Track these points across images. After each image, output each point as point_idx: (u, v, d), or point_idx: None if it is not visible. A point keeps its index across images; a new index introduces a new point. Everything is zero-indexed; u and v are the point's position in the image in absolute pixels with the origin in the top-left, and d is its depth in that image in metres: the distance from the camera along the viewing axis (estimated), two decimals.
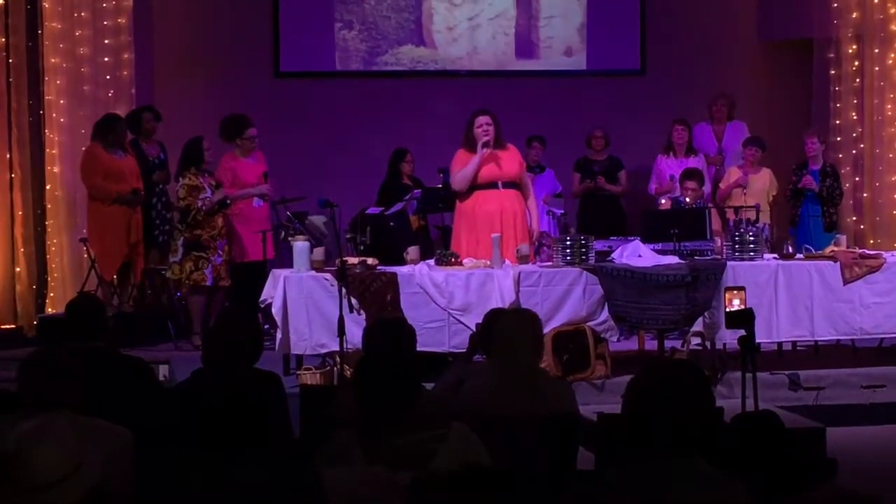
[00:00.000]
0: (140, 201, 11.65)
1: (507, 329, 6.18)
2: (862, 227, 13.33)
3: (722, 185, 12.70)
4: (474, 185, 10.35)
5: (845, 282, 10.01)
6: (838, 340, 10.54)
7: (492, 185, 10.32)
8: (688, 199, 11.65)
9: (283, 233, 11.85)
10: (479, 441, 4.52)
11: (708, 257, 10.15)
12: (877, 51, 13.44)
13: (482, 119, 10.35)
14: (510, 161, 10.41)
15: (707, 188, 12.75)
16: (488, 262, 9.84)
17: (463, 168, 10.31)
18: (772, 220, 12.56)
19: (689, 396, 3.74)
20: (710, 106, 13.59)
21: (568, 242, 9.86)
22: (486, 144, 10.25)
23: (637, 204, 13.20)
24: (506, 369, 6.05)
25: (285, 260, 10.72)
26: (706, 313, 9.76)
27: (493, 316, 6.59)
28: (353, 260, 9.88)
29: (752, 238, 10.17)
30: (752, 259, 10.04)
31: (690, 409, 3.72)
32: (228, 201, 11.26)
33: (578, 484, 3.85)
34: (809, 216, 12.34)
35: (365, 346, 6.29)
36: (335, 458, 4.43)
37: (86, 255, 11.89)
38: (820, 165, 12.44)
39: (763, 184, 12.56)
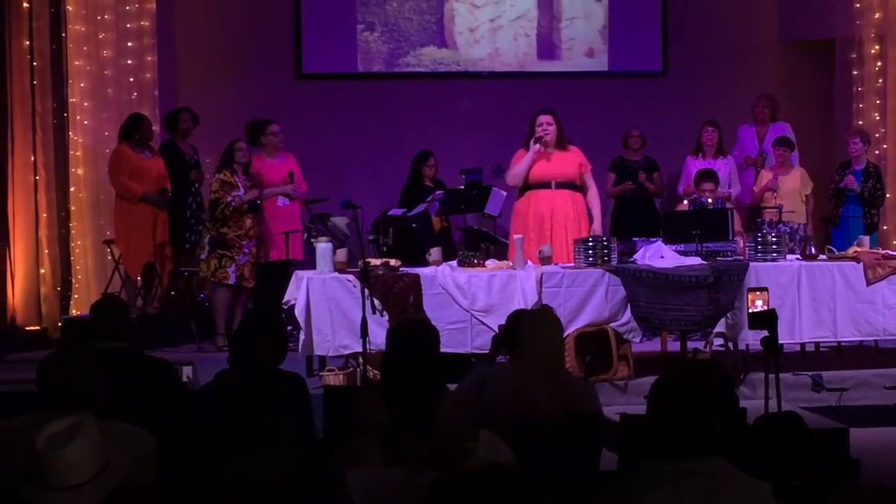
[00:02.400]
0: (167, 202, 11.72)
1: (529, 328, 6.19)
2: (885, 227, 13.28)
3: (756, 189, 12.67)
4: (528, 185, 10.38)
5: (868, 283, 9.99)
6: (861, 341, 10.53)
7: (545, 184, 10.34)
8: (709, 200, 11.61)
9: (305, 234, 11.89)
10: (507, 450, 4.50)
11: (730, 258, 10.14)
12: None
13: (543, 118, 10.40)
14: (567, 162, 10.41)
15: (738, 189, 12.71)
16: (511, 264, 9.85)
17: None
18: (808, 220, 12.49)
19: (713, 397, 3.75)
20: (753, 107, 13.52)
21: (590, 243, 9.86)
22: (537, 140, 10.27)
23: (666, 206, 13.16)
24: (529, 369, 6.06)
25: (309, 261, 10.75)
26: (729, 314, 9.75)
27: (517, 317, 6.60)
28: (375, 261, 9.89)
29: (774, 239, 10.16)
30: (774, 260, 10.03)
31: (714, 410, 3.73)
32: (259, 202, 11.31)
33: (602, 485, 3.85)
34: (850, 217, 12.31)
35: (388, 347, 6.30)
36: (357, 462, 4.44)
37: (110, 257, 11.95)
38: (863, 166, 12.41)
39: (794, 183, 12.48)
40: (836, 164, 12.81)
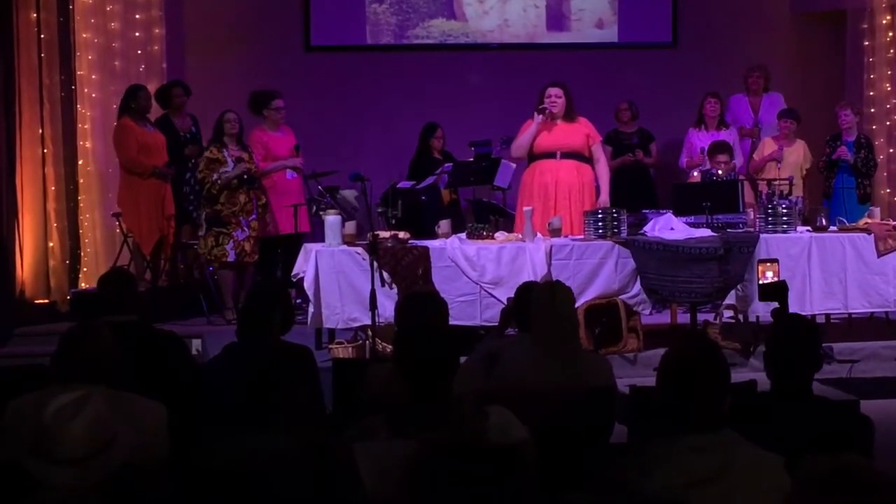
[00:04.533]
0: (173, 174, 11.69)
1: (541, 301, 6.16)
2: None
3: (756, 157, 12.64)
4: (534, 156, 10.37)
5: (879, 254, 9.96)
6: (872, 313, 10.50)
7: (549, 155, 10.32)
8: (720, 172, 11.57)
9: (314, 207, 11.86)
10: (520, 425, 4.46)
11: (740, 230, 10.11)
12: None
13: (552, 90, 10.41)
14: (574, 133, 10.38)
15: (740, 160, 12.68)
16: (520, 236, 9.83)
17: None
18: (805, 193, 12.46)
19: (723, 371, 3.74)
20: (746, 77, 13.48)
21: (600, 215, 9.83)
22: (540, 111, 10.26)
23: (667, 177, 13.13)
24: (541, 343, 6.03)
25: (317, 234, 10.73)
26: (739, 286, 9.73)
27: (527, 289, 6.57)
28: (384, 234, 9.88)
29: (784, 210, 10.13)
30: (784, 231, 10.01)
31: (724, 384, 3.71)
32: (245, 176, 11.19)
33: (613, 459, 3.84)
34: (843, 188, 12.28)
35: (397, 320, 6.29)
36: (365, 435, 4.41)
37: (118, 231, 11.93)
38: (854, 137, 12.37)
39: (797, 156, 12.48)
40: None
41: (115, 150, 11.62)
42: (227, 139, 11.21)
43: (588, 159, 10.47)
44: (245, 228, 11.19)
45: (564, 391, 5.69)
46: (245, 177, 11.18)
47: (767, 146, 12.55)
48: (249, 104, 11.76)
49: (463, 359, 5.73)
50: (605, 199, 10.52)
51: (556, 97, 10.35)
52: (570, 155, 10.36)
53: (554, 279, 9.03)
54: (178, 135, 12.06)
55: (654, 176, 13.46)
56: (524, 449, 4.10)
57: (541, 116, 10.28)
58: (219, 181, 11.06)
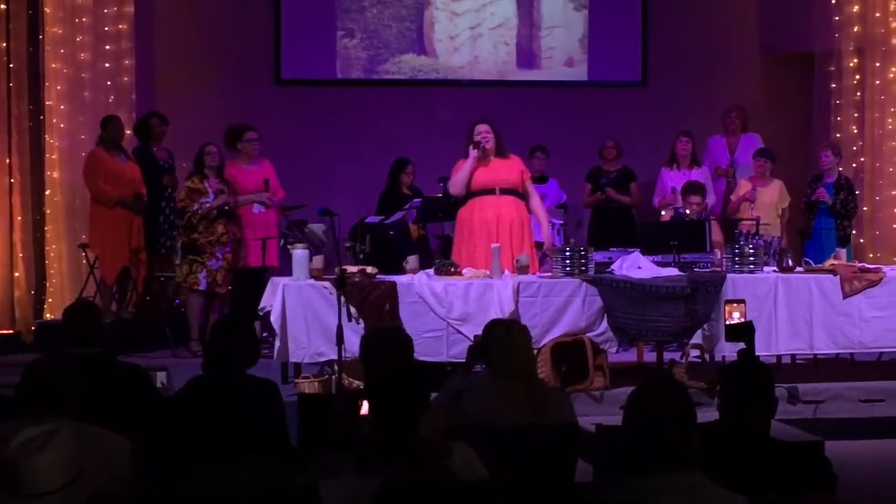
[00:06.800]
0: (143, 206, 11.66)
1: (502, 339, 6.17)
2: (862, 240, 13.31)
3: (733, 198, 12.67)
4: (472, 193, 10.36)
5: (845, 295, 9.99)
6: (837, 354, 10.52)
7: (489, 191, 10.32)
8: (688, 212, 11.58)
9: (282, 241, 11.85)
10: (480, 464, 4.45)
11: (707, 269, 10.13)
12: (878, 64, 13.48)
13: (481, 127, 10.39)
14: (509, 169, 10.40)
15: (713, 199, 12.70)
16: (488, 272, 9.82)
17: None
18: (782, 233, 12.46)
19: (690, 411, 3.74)
20: (724, 118, 13.53)
21: (567, 253, 9.84)
22: (476, 145, 10.26)
23: (646, 216, 13.14)
24: (504, 380, 6.03)
25: (285, 268, 10.72)
26: (705, 325, 9.74)
27: (492, 327, 6.58)
28: (352, 268, 9.87)
29: (751, 251, 10.15)
30: (751, 272, 10.02)
31: (691, 424, 3.71)
32: (227, 207, 11.25)
33: (577, 496, 3.83)
34: (823, 229, 12.30)
35: (362, 355, 6.27)
36: (330, 471, 4.40)
37: (84, 261, 11.89)
38: (834, 178, 12.38)
39: (771, 197, 12.48)
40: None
41: (84, 178, 11.61)
42: (208, 171, 11.24)
43: (523, 195, 10.50)
44: (219, 258, 11.19)
45: (526, 428, 5.69)
46: (226, 208, 11.22)
47: (742, 187, 12.56)
48: (225, 139, 11.77)
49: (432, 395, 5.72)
50: (546, 231, 10.59)
51: (486, 133, 10.38)
52: (508, 191, 10.38)
53: (520, 317, 9.05)
54: (158, 165, 12.06)
55: (636, 216, 13.42)
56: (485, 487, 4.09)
57: (476, 151, 10.29)
58: (199, 211, 11.08)
